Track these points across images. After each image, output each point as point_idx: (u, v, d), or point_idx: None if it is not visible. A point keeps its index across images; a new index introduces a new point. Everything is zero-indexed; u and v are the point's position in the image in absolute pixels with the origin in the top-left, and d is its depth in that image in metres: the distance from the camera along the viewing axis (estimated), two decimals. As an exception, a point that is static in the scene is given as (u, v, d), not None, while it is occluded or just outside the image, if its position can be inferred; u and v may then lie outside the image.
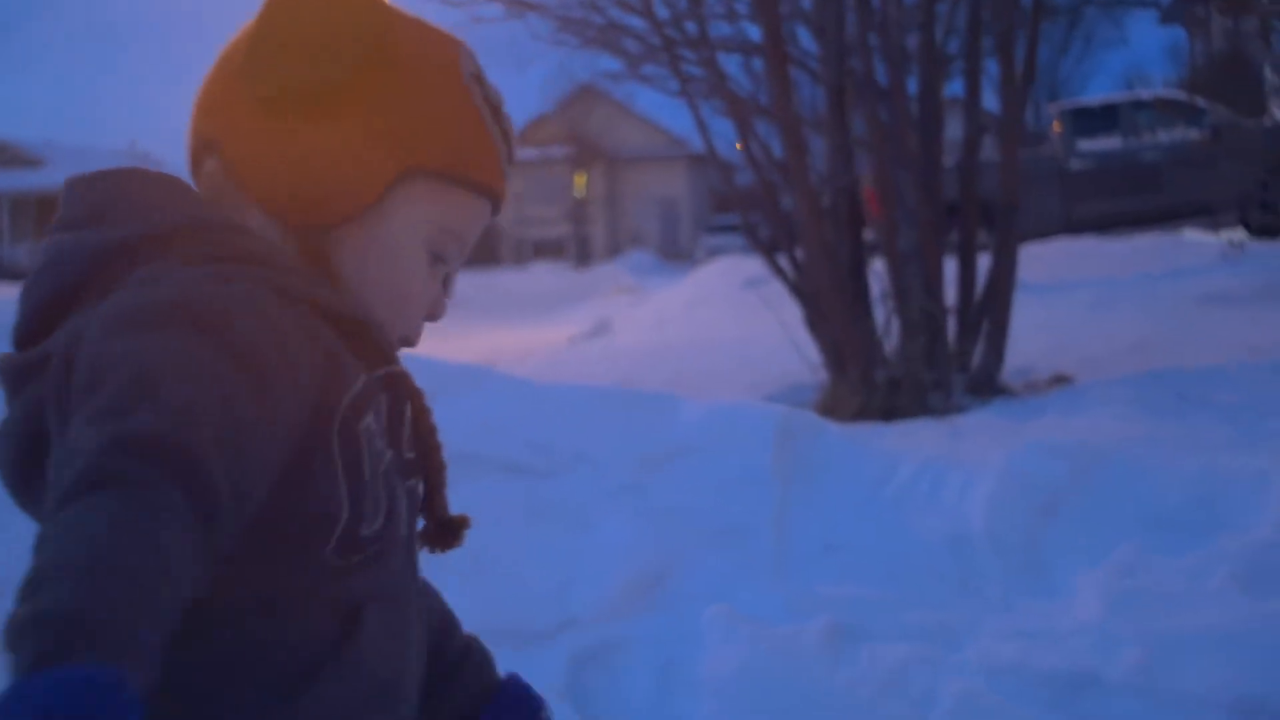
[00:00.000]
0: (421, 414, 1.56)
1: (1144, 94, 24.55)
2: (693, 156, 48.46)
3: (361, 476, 1.41)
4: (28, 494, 1.43)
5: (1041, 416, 7.82)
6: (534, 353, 16.74)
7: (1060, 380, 9.70)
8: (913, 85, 10.15)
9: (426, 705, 1.61)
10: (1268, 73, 21.14)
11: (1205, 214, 19.48)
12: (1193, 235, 19.25)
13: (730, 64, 12.88)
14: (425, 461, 1.57)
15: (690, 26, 11.03)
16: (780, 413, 5.47)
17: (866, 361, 9.59)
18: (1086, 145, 21.72)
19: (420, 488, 1.56)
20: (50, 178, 54.45)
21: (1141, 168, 21.03)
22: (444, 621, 1.74)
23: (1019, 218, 19.43)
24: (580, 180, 52.97)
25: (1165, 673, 3.87)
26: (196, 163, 1.57)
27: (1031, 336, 11.10)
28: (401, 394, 1.52)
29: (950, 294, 9.82)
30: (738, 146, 10.80)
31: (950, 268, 9.90)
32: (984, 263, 10.06)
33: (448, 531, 1.61)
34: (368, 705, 1.44)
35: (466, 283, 35.71)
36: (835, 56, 10.14)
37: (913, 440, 6.42)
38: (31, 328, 1.44)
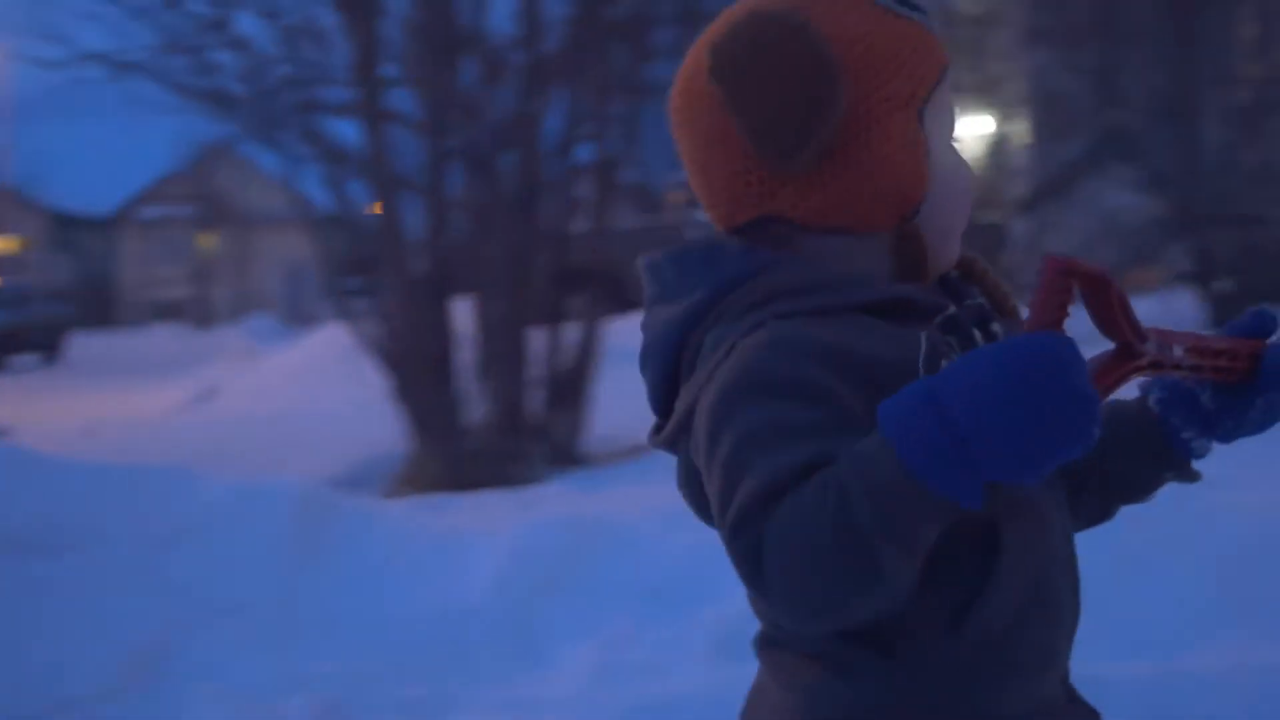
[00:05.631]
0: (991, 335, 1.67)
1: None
2: (323, 219, 47.55)
3: None
4: (700, 510, 1.68)
5: (611, 486, 7.95)
6: (142, 418, 16.28)
7: (640, 449, 9.85)
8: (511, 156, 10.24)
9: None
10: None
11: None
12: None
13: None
14: None
15: (286, 95, 10.94)
16: (297, 490, 5.47)
17: (449, 432, 9.58)
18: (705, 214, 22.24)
19: None
20: None
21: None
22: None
23: (626, 286, 19.71)
24: (205, 240, 51.85)
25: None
26: (746, 229, 1.65)
27: (626, 404, 11.21)
28: (965, 327, 1.63)
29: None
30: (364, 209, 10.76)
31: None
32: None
33: None
34: (1026, 614, 1.59)
35: (81, 344, 34.59)
36: (435, 124, 10.17)
37: (450, 514, 6.45)
38: (660, 400, 1.67)
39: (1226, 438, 1.73)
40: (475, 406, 9.75)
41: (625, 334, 11.95)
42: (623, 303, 19.59)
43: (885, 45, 1.64)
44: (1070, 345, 1.35)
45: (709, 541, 5.01)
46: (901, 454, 1.36)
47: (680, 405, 1.62)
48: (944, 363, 1.55)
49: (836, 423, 1.48)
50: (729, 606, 4.74)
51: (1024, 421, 1.34)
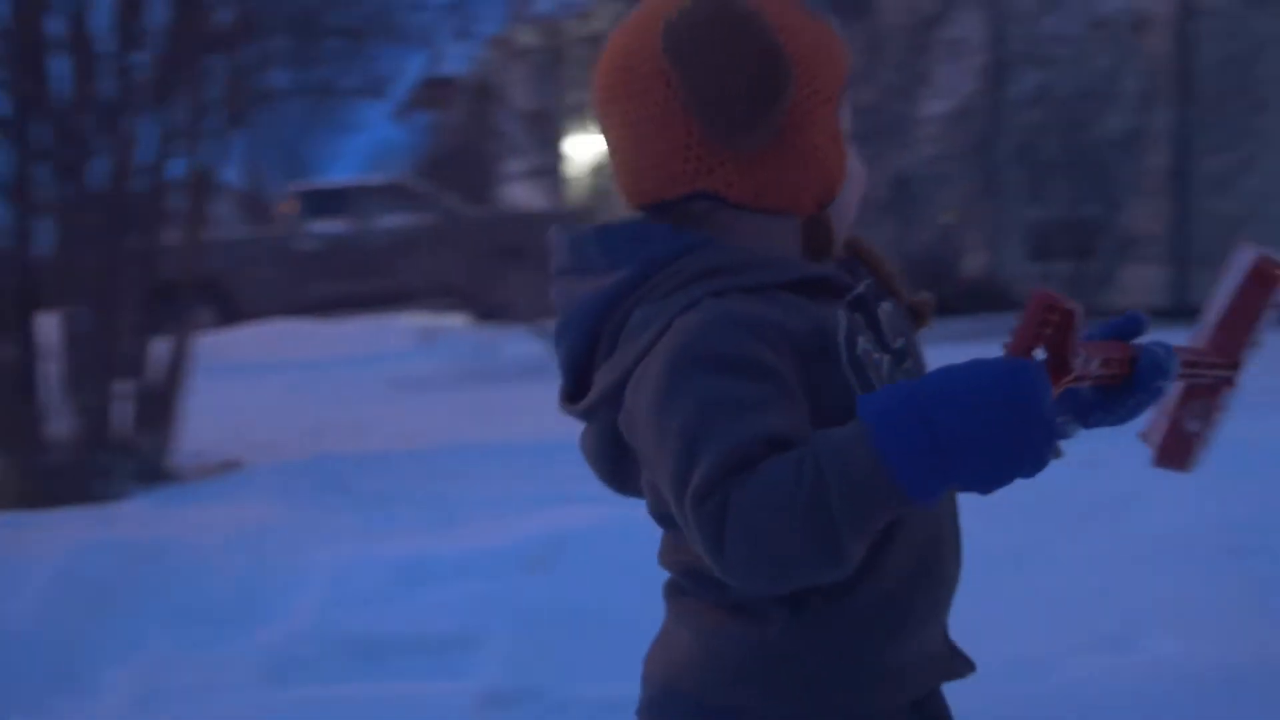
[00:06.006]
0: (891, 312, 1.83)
1: (376, 179, 25.17)
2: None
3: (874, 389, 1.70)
4: (616, 483, 1.83)
5: (194, 504, 7.86)
6: None
7: (229, 465, 9.77)
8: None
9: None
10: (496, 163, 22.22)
11: (424, 298, 20.21)
12: (407, 320, 19.82)
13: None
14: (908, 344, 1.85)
15: None
16: None
17: (30, 447, 9.31)
18: (317, 226, 21.98)
19: (914, 366, 1.85)
20: None
21: (368, 251, 21.41)
22: None
23: (228, 298, 19.48)
24: None
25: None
26: (669, 206, 1.78)
27: (222, 419, 11.14)
28: (870, 305, 1.79)
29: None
30: None
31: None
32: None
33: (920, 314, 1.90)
34: (916, 577, 1.78)
35: None
36: (22, 129, 9.85)
37: (16, 533, 6.31)
38: (576, 370, 1.78)
39: (1093, 425, 1.90)
40: (60, 421, 9.48)
41: (218, 348, 11.84)
42: (224, 315, 19.29)
43: (816, 41, 1.79)
44: (1044, 375, 1.51)
45: (268, 563, 5.09)
46: (883, 452, 1.47)
47: (605, 378, 1.73)
48: (860, 339, 1.74)
49: (781, 396, 1.62)
50: (280, 629, 4.79)
51: (998, 440, 1.47)
